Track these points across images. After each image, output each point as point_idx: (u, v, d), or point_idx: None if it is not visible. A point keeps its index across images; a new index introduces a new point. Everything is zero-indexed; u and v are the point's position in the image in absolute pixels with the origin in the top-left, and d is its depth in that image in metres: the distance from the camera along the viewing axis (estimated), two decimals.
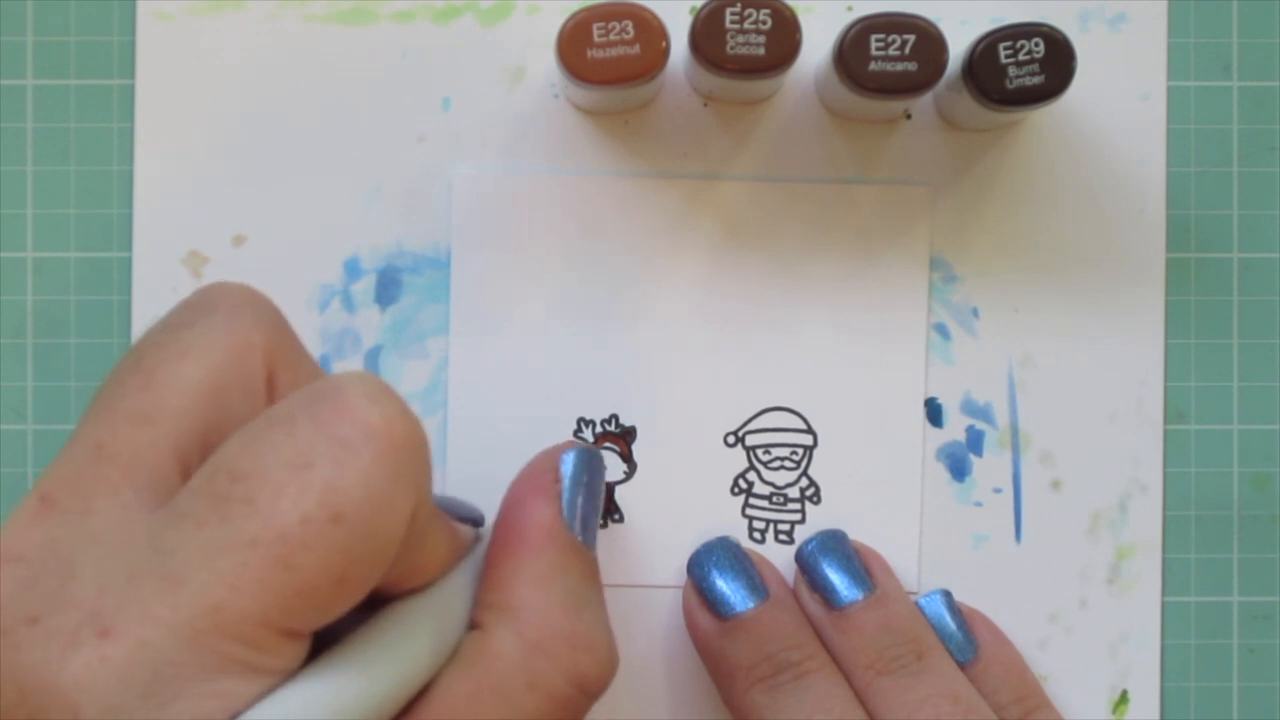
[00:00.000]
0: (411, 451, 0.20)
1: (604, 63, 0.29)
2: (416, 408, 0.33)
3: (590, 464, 0.26)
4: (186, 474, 0.21)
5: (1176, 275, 0.34)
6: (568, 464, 0.26)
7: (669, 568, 0.33)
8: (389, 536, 0.20)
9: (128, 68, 0.33)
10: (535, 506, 0.25)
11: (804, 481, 0.33)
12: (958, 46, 0.30)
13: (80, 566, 0.19)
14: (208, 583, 0.19)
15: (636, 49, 0.29)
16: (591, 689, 0.23)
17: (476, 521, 0.26)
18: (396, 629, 0.22)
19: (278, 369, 0.22)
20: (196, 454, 0.21)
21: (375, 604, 0.22)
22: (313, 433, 0.20)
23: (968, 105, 0.31)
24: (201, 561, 0.19)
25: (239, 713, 0.19)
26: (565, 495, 0.25)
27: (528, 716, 0.22)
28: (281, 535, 0.19)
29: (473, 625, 0.23)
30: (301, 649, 0.20)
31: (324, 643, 0.21)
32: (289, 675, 0.20)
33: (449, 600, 0.23)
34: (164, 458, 0.21)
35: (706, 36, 0.29)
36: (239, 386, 0.22)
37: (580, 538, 0.25)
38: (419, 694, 0.22)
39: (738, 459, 0.33)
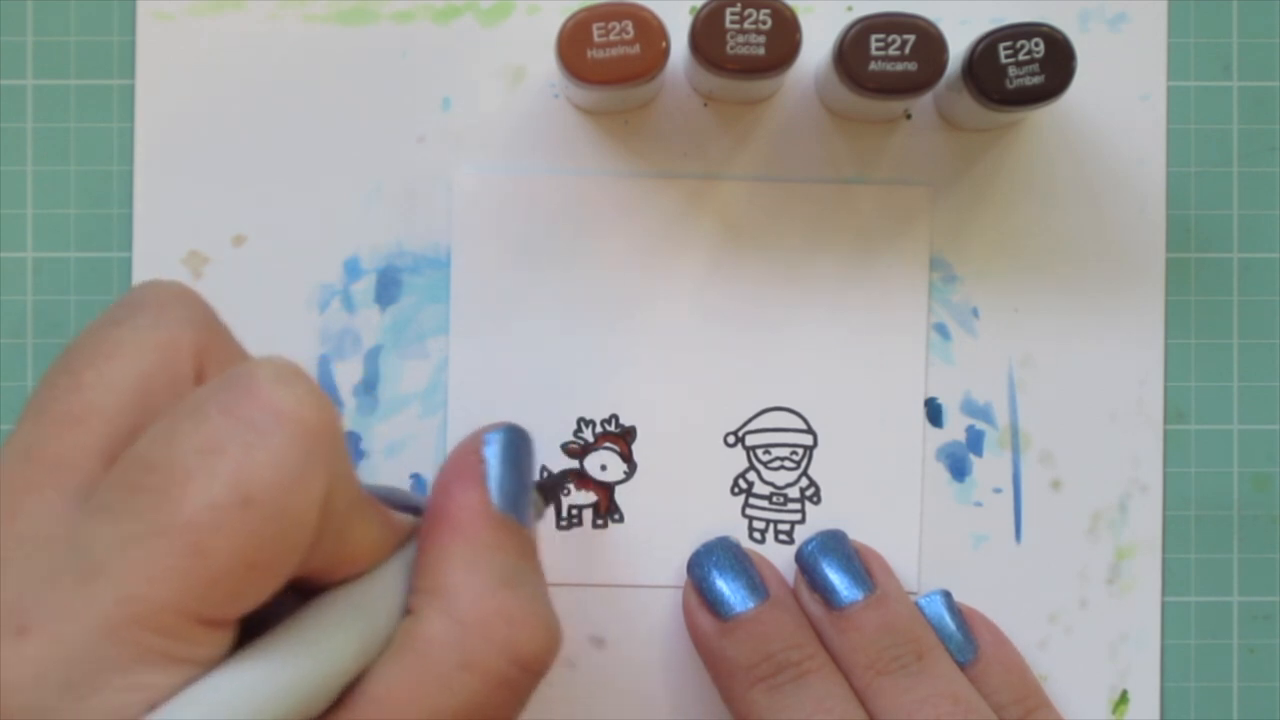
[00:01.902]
0: (323, 434, 0.20)
1: (604, 63, 0.29)
2: (416, 408, 0.33)
3: (516, 442, 0.26)
4: None
5: (1176, 275, 0.34)
6: (493, 444, 0.26)
7: (669, 568, 0.33)
8: (301, 519, 0.20)
9: (128, 68, 0.33)
10: (461, 489, 0.24)
11: (804, 481, 0.33)
12: (958, 46, 0.30)
13: (5, 567, 0.19)
14: (122, 574, 0.19)
15: (636, 49, 0.29)
16: (533, 666, 0.23)
17: (417, 510, 0.26)
18: (325, 617, 0.22)
19: (208, 365, 0.22)
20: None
21: (309, 595, 0.22)
22: (222, 419, 0.20)
23: (968, 105, 0.31)
24: (116, 554, 0.19)
25: (159, 704, 0.19)
26: (493, 475, 0.25)
27: (465, 698, 0.22)
28: (191, 522, 0.19)
29: (406, 613, 0.23)
30: (224, 639, 0.20)
31: (256, 636, 0.21)
32: (212, 666, 0.20)
33: (383, 588, 0.23)
34: (91, 458, 0.21)
35: (706, 36, 0.29)
36: (167, 384, 0.22)
37: (512, 515, 0.25)
38: (352, 683, 0.21)
39: (738, 459, 0.33)
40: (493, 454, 0.25)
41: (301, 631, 0.21)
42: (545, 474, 0.33)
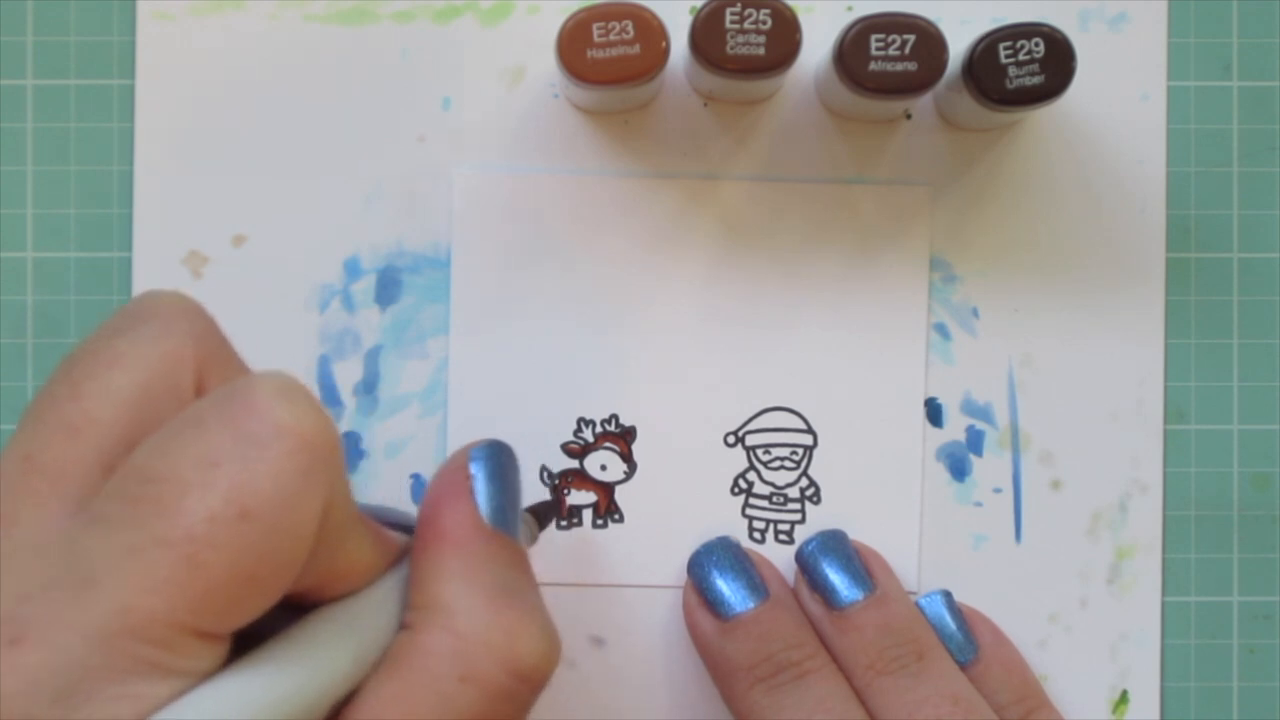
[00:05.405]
0: (323, 449, 0.20)
1: (604, 63, 0.29)
2: (416, 408, 0.33)
3: (501, 457, 0.26)
4: None
5: (1176, 275, 0.34)
6: (479, 460, 0.26)
7: (669, 568, 0.33)
8: (299, 533, 0.20)
9: (128, 68, 0.33)
10: (451, 505, 0.24)
11: (804, 481, 0.33)
12: (958, 46, 0.30)
13: (2, 576, 0.19)
14: (117, 584, 0.19)
15: (636, 49, 0.29)
16: (533, 677, 0.23)
17: (410, 529, 0.26)
18: (318, 632, 0.22)
19: (209, 378, 0.22)
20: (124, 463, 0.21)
21: (301, 612, 0.22)
22: (222, 432, 0.20)
23: (968, 105, 0.31)
24: (112, 564, 0.19)
25: (150, 715, 0.19)
26: (481, 490, 0.25)
27: (463, 711, 0.22)
28: (188, 534, 0.19)
29: (402, 628, 0.23)
30: (218, 651, 0.20)
31: (246, 652, 0.21)
32: (205, 678, 0.20)
33: (377, 605, 0.23)
34: (90, 468, 0.21)
35: (706, 36, 0.29)
36: (168, 396, 0.22)
37: (502, 529, 0.25)
38: (348, 698, 0.21)
39: (738, 459, 0.33)
40: (479, 469, 0.25)
41: (294, 646, 0.21)
42: (544, 474, 0.33)
